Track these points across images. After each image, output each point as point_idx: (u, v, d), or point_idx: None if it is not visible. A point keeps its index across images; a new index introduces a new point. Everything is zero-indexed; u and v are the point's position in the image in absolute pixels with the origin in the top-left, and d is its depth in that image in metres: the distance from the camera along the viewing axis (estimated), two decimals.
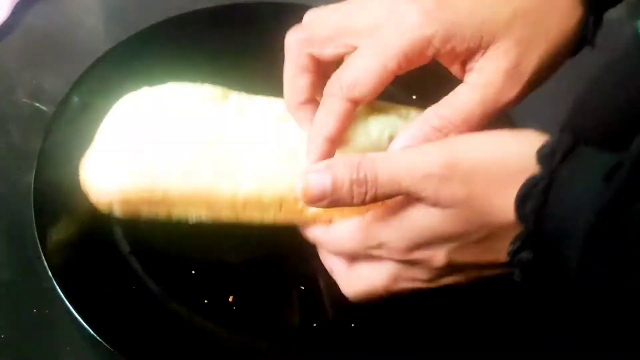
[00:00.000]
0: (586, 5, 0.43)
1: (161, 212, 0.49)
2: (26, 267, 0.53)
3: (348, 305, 0.49)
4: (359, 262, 0.46)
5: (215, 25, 0.65)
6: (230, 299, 0.52)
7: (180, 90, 0.51)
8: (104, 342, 0.47)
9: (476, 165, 0.39)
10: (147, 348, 0.48)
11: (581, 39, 0.44)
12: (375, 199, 0.41)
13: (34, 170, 0.54)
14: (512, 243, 0.39)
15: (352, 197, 0.40)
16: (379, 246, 0.44)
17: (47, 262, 0.49)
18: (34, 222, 0.51)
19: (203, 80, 0.52)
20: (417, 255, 0.42)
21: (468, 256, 0.42)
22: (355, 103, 0.44)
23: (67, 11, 0.69)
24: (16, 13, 0.67)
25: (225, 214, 0.48)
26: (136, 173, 0.47)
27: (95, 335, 0.47)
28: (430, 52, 0.41)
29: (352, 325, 0.52)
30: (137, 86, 0.53)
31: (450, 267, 0.43)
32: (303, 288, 0.53)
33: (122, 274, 0.51)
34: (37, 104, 0.62)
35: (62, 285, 0.48)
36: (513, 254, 0.39)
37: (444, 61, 0.44)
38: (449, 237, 0.41)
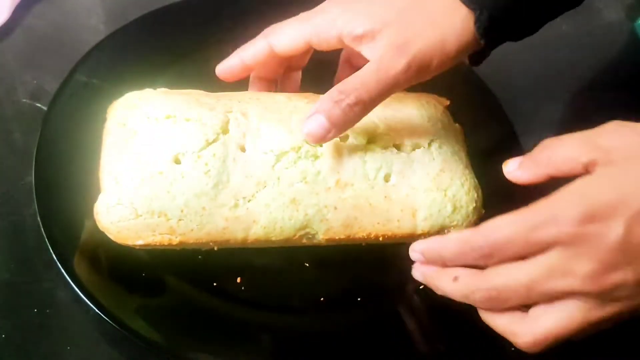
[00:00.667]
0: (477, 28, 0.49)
1: (177, 249, 0.51)
2: (26, 267, 0.53)
3: (353, 283, 0.52)
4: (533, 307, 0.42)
5: (216, 13, 0.67)
6: (238, 280, 0.53)
7: (179, 113, 0.51)
8: (115, 325, 0.48)
9: None
10: (160, 331, 0.50)
11: (477, 55, 0.51)
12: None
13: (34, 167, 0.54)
14: None
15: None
16: (547, 223, 0.39)
17: (52, 249, 0.50)
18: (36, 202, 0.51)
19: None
20: (592, 227, 0.38)
21: None
22: (271, 47, 0.52)
23: (68, 12, 0.69)
24: (17, 13, 0.67)
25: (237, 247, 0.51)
26: (154, 228, 0.48)
27: (107, 319, 0.48)
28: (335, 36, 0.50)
29: (359, 299, 0.53)
30: (131, 76, 0.55)
31: (629, 245, 0.38)
32: (307, 265, 0.55)
33: (129, 262, 0.52)
34: (37, 104, 0.62)
35: (70, 273, 0.49)
36: None
37: (352, 45, 0.50)
38: (629, 191, 0.39)
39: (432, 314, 0.53)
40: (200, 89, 0.55)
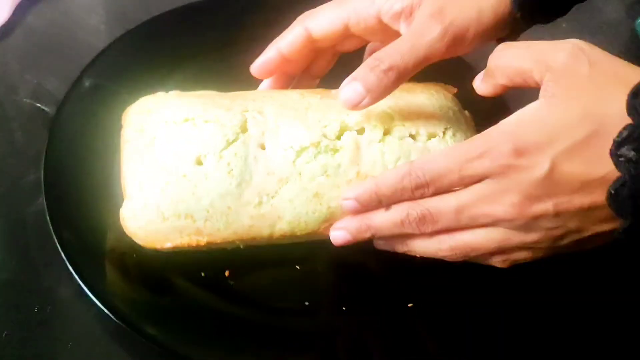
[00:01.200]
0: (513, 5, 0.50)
1: (204, 249, 0.51)
2: (27, 266, 0.53)
3: (341, 289, 0.53)
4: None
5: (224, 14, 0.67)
6: (227, 273, 0.53)
7: (197, 114, 0.51)
8: (114, 318, 0.48)
9: (602, 55, 0.43)
10: (149, 317, 0.50)
11: (509, 29, 0.52)
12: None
13: (35, 170, 0.55)
14: (618, 135, 0.39)
15: None
16: (480, 156, 0.42)
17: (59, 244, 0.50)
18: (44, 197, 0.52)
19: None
20: (521, 161, 0.41)
21: (573, 164, 0.41)
22: (308, 32, 0.53)
23: (69, 11, 0.69)
24: (18, 13, 0.68)
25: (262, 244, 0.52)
26: (181, 230, 0.49)
27: (107, 312, 0.48)
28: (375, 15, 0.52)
29: (344, 308, 0.53)
30: (142, 77, 0.56)
31: (552, 180, 0.41)
32: (298, 268, 0.55)
33: (126, 252, 0.52)
34: (38, 104, 0.62)
35: (71, 260, 0.50)
36: (617, 146, 0.39)
37: (391, 23, 0.51)
38: (557, 132, 0.41)
39: (417, 334, 0.53)
40: (212, 89, 0.55)
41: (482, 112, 0.58)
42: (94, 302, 0.48)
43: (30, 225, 0.55)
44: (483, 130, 0.56)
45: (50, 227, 0.51)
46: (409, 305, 0.53)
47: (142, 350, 0.50)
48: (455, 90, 0.58)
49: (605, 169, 0.40)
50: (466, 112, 0.57)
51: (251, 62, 0.56)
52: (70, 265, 0.49)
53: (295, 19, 0.55)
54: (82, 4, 0.70)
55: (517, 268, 0.47)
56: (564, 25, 0.57)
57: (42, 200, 0.52)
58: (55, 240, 0.50)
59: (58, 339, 0.51)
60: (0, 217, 0.56)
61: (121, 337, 0.50)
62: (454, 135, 0.53)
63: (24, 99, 0.63)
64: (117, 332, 0.50)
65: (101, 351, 0.51)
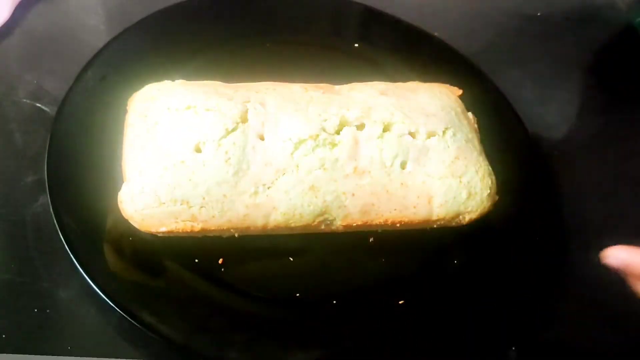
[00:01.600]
0: None
1: (198, 236, 0.51)
2: (26, 267, 0.53)
3: (332, 283, 0.53)
4: None
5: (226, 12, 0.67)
6: (220, 260, 0.53)
7: (199, 103, 0.52)
8: (103, 296, 0.48)
9: None
10: (138, 299, 0.50)
11: None
12: None
13: (34, 171, 0.55)
14: None
15: None
16: None
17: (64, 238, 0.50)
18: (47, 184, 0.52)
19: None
20: None
21: None
22: None
23: (68, 12, 0.69)
24: (17, 14, 0.68)
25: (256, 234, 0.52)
26: (177, 215, 0.49)
27: (97, 290, 0.48)
28: None
29: (334, 302, 0.53)
30: (148, 70, 0.56)
31: None
32: (292, 259, 0.55)
33: (122, 235, 0.52)
34: (38, 104, 0.62)
35: (67, 239, 0.50)
36: None
37: None
38: None
39: (405, 331, 0.52)
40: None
41: (486, 114, 0.58)
42: (90, 289, 0.48)
43: (29, 227, 0.54)
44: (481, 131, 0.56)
45: (51, 207, 0.51)
46: (400, 302, 0.53)
47: (141, 351, 0.50)
48: (460, 91, 0.58)
49: None
50: (470, 113, 0.57)
51: (258, 55, 0.57)
52: (66, 243, 0.49)
53: (298, 11, 0.54)
54: (82, 4, 0.70)
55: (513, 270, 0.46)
56: (563, 25, 0.57)
57: (42, 201, 0.52)
58: (54, 218, 0.50)
59: (57, 341, 0.50)
60: (0, 217, 0.55)
61: (120, 339, 0.50)
62: (454, 135, 0.53)
63: (24, 99, 0.62)
64: (117, 334, 0.49)
65: (99, 353, 0.50)
